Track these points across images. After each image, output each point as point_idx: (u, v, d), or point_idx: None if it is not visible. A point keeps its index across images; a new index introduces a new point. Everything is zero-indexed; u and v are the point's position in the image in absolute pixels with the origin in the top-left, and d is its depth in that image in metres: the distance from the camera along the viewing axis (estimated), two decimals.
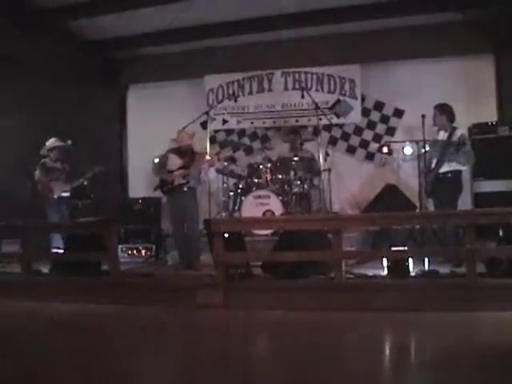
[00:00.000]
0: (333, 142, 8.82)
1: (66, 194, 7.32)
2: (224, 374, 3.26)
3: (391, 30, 8.49)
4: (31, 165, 7.31)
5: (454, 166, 6.16)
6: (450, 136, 6.16)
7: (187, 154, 6.45)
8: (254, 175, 8.02)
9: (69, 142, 7.30)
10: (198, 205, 6.58)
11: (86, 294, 5.40)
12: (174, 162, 6.42)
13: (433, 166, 6.28)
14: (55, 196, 7.16)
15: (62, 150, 7.30)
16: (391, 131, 8.72)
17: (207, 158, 6.50)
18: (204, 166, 6.40)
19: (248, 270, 5.52)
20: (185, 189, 6.34)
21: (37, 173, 7.19)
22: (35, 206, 7.20)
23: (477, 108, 7.93)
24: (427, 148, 6.31)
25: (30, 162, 7.37)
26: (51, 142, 7.27)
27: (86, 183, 7.34)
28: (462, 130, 6.26)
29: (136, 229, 7.88)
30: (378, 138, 8.74)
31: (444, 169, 6.17)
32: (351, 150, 8.92)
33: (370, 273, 5.47)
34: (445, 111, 6.29)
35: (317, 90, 8.90)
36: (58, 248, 6.67)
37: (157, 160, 6.67)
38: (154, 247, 7.59)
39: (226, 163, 8.05)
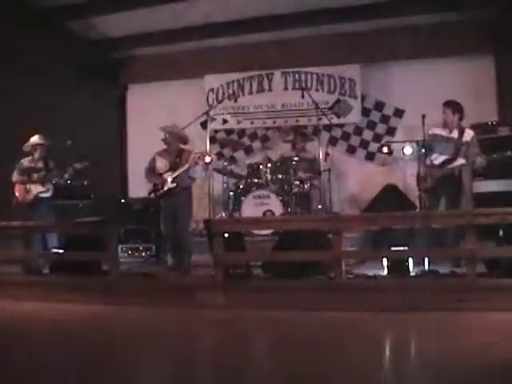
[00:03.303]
0: (333, 142, 8.81)
1: (46, 195, 6.76)
2: (224, 374, 3.26)
3: (391, 29, 8.50)
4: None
5: (459, 166, 6.11)
6: (460, 136, 6.08)
7: (174, 154, 6.31)
8: (253, 175, 8.02)
9: (69, 142, 7.13)
10: (192, 205, 6.39)
11: (85, 294, 5.41)
12: (162, 164, 6.30)
13: (435, 161, 6.15)
14: (31, 197, 6.67)
15: (45, 147, 6.84)
16: (391, 131, 8.73)
17: (192, 156, 6.20)
18: (190, 163, 6.23)
19: (248, 270, 5.51)
20: (176, 190, 6.17)
21: (14, 174, 6.77)
22: (15, 208, 6.78)
23: (477, 108, 7.90)
24: (428, 141, 6.11)
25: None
26: (34, 139, 6.82)
27: (69, 182, 6.87)
28: (471, 131, 6.17)
29: (136, 229, 7.86)
30: (378, 137, 8.72)
31: (451, 166, 6.10)
32: (351, 150, 8.92)
33: (370, 273, 5.47)
34: (457, 110, 6.20)
35: (317, 90, 8.89)
36: (56, 248, 6.59)
37: (146, 165, 6.46)
38: (154, 247, 7.58)
39: (223, 162, 7.98)
